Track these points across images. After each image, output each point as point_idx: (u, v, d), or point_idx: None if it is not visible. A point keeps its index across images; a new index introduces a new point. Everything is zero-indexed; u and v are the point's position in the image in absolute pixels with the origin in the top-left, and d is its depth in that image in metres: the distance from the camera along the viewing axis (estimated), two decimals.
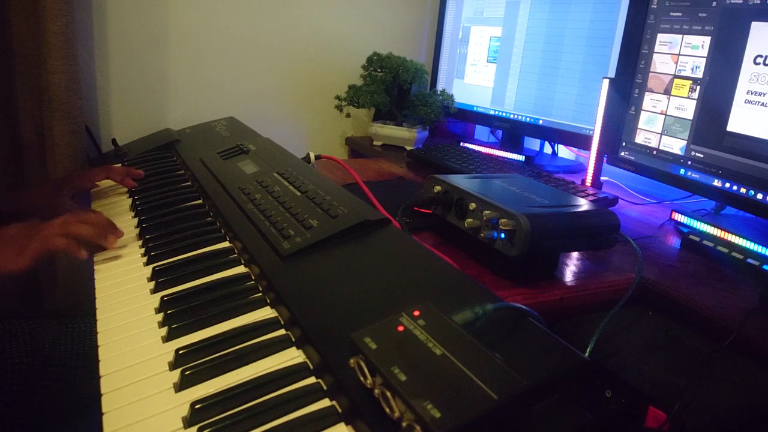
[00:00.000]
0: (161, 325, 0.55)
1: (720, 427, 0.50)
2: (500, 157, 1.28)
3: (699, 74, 0.89)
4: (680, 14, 0.91)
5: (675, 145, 0.93)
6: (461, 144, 1.32)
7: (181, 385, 0.46)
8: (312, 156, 1.03)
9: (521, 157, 1.29)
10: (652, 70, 0.97)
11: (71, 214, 0.71)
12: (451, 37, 1.49)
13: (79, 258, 0.67)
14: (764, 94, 0.79)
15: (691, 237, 0.83)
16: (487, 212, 0.66)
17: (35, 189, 0.95)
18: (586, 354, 0.57)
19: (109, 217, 0.86)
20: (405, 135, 1.41)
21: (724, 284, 0.72)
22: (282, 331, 0.52)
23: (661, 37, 0.95)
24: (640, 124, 0.99)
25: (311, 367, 0.47)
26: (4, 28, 1.10)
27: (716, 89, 0.86)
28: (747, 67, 0.81)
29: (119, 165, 1.01)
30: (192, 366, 0.47)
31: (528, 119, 1.29)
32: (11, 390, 0.72)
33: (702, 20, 0.88)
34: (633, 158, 1.01)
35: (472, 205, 0.69)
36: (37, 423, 0.74)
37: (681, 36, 0.91)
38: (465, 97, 1.45)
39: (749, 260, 0.75)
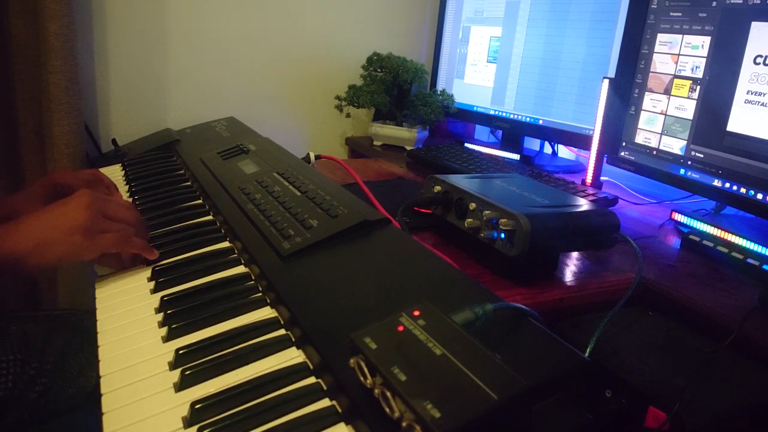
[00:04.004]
0: (161, 325, 0.55)
1: (720, 427, 0.50)
2: (500, 157, 1.28)
3: (699, 74, 0.89)
4: (680, 14, 0.91)
5: (675, 145, 0.93)
6: (461, 144, 1.32)
7: (181, 385, 0.46)
8: (312, 156, 1.03)
9: (521, 157, 1.29)
10: (652, 70, 0.97)
11: (132, 209, 0.68)
12: (451, 37, 1.49)
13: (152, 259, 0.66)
14: (764, 94, 0.79)
15: (691, 237, 0.83)
16: (487, 212, 0.66)
17: (22, 195, 0.89)
18: (586, 354, 0.57)
19: None
20: (405, 135, 1.41)
21: (724, 284, 0.72)
22: (282, 331, 0.52)
23: (661, 37, 0.95)
24: (640, 124, 0.99)
25: (311, 367, 0.47)
26: (3, 28, 1.10)
27: (716, 89, 0.86)
28: (747, 67, 0.81)
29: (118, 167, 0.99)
30: (192, 366, 0.47)
31: (528, 119, 1.29)
32: (6, 388, 0.72)
33: (702, 20, 0.88)
34: (633, 158, 1.01)
35: (472, 205, 0.69)
36: (33, 421, 0.74)
37: (681, 36, 0.91)
38: (465, 97, 1.45)
39: (749, 260, 0.75)
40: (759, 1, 0.80)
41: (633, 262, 0.76)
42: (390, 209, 0.73)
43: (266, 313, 0.56)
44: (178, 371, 0.47)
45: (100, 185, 0.88)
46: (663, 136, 0.95)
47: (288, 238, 0.63)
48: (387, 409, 0.36)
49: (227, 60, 1.40)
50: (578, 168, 1.30)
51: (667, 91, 0.94)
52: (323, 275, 0.57)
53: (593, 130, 1.08)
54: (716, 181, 0.86)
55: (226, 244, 0.71)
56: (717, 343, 0.60)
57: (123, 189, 0.96)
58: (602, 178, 1.13)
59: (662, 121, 0.95)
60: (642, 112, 0.99)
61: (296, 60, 1.49)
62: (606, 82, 1.04)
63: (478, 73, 1.42)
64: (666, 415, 0.50)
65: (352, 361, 0.40)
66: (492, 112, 1.38)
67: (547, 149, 1.44)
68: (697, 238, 0.82)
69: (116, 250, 0.62)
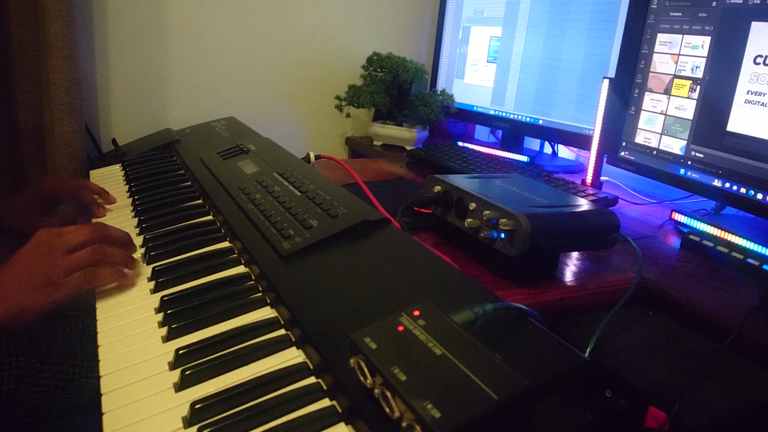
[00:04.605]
0: (161, 325, 0.55)
1: (720, 427, 0.50)
2: (500, 157, 1.28)
3: (699, 74, 0.89)
4: (680, 14, 0.91)
5: (675, 145, 0.93)
6: (461, 144, 1.32)
7: (181, 385, 0.46)
8: (312, 156, 1.03)
9: (521, 157, 1.29)
10: (652, 70, 0.97)
11: (89, 229, 0.63)
12: (451, 37, 1.49)
13: (127, 286, 0.62)
14: (764, 94, 0.79)
15: (691, 237, 0.83)
16: (487, 212, 0.66)
17: (10, 202, 0.88)
18: (586, 354, 0.57)
19: (108, 218, 0.87)
20: (405, 135, 1.41)
21: (724, 284, 0.72)
22: (282, 331, 0.52)
23: (661, 37, 0.95)
24: (640, 124, 0.99)
25: (311, 367, 0.47)
26: (4, 28, 1.10)
27: (716, 89, 0.86)
28: (747, 67, 0.81)
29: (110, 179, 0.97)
30: (192, 366, 0.47)
31: (528, 119, 1.29)
32: (8, 388, 0.72)
33: (702, 20, 0.88)
34: (633, 158, 1.01)
35: (472, 205, 0.69)
36: (34, 422, 0.74)
37: (681, 36, 0.91)
38: (465, 97, 1.45)
39: (749, 260, 0.75)
40: (759, 1, 0.80)
41: (633, 262, 0.76)
42: (390, 209, 0.73)
43: (266, 313, 0.56)
44: (178, 371, 0.47)
45: (87, 192, 0.88)
46: (663, 136, 0.95)
47: (288, 238, 0.63)
48: (387, 409, 0.36)
49: (227, 60, 1.40)
50: (578, 168, 1.30)
51: (667, 91, 0.94)
52: (323, 275, 0.57)
53: (593, 130, 1.08)
54: (716, 181, 0.86)
55: (226, 244, 0.71)
56: (717, 343, 0.60)
57: (123, 189, 0.96)
58: (602, 178, 1.13)
59: (662, 121, 0.95)
60: (642, 112, 0.99)
61: (296, 60, 1.49)
62: (606, 82, 1.04)
63: (478, 73, 1.42)
64: (666, 415, 0.50)
65: (352, 361, 0.40)
66: (492, 112, 1.38)
67: (547, 149, 1.44)
68: (697, 238, 0.82)
69: (86, 288, 0.60)
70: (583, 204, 0.72)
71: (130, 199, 0.91)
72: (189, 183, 0.94)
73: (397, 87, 1.41)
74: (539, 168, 1.21)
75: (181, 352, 0.50)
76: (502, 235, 0.64)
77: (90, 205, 0.87)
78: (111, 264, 0.62)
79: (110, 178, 1.04)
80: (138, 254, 0.71)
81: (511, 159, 1.29)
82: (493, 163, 1.14)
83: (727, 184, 0.84)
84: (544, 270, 0.71)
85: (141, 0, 1.26)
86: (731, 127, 0.83)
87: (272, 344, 0.50)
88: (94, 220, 0.85)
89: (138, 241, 0.75)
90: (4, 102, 1.13)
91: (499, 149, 1.36)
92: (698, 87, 0.89)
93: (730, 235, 0.81)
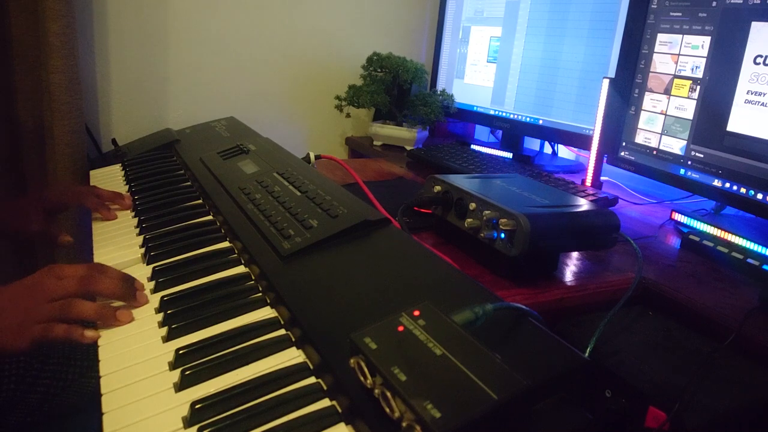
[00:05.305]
0: (161, 325, 0.55)
1: (720, 427, 0.50)
2: (500, 157, 1.28)
3: (699, 74, 0.89)
4: (680, 14, 0.91)
5: (675, 145, 0.93)
6: (461, 144, 1.32)
7: (181, 385, 0.46)
8: (312, 156, 1.03)
9: (521, 157, 1.29)
10: (652, 70, 0.97)
11: (79, 277, 0.58)
12: (451, 37, 1.49)
13: (83, 342, 0.56)
14: (764, 94, 0.79)
15: (691, 237, 0.83)
16: (487, 212, 0.66)
17: (12, 208, 0.86)
18: (586, 354, 0.57)
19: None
20: (405, 135, 1.41)
21: (724, 284, 0.72)
22: (282, 331, 0.52)
23: (661, 37, 0.95)
24: (640, 124, 0.99)
25: (311, 367, 0.47)
26: (4, 28, 1.10)
27: (716, 89, 0.86)
28: (747, 67, 0.81)
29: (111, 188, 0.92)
30: (192, 366, 0.47)
31: (528, 119, 1.29)
32: (8, 388, 0.72)
33: (702, 20, 0.88)
34: (633, 158, 1.01)
35: (472, 205, 0.69)
36: (34, 422, 0.74)
37: (681, 36, 0.91)
38: (465, 97, 1.45)
39: (749, 260, 0.75)
40: (759, 1, 0.80)
41: (633, 262, 0.76)
42: (390, 209, 0.73)
43: (266, 313, 0.56)
44: (178, 371, 0.47)
45: (92, 198, 0.85)
46: (663, 136, 0.95)
47: (288, 238, 0.63)
48: (387, 409, 0.36)
49: (227, 60, 1.40)
50: (578, 168, 1.30)
51: (667, 91, 0.94)
52: (323, 275, 0.57)
53: (593, 130, 1.08)
54: (716, 181, 0.86)
55: (226, 244, 0.71)
56: (717, 343, 0.60)
57: (123, 189, 0.96)
58: (602, 178, 1.13)
59: (662, 121, 0.95)
60: (642, 112, 0.99)
61: (296, 60, 1.49)
62: (606, 81, 1.04)
63: (478, 73, 1.42)
64: (666, 415, 0.50)
65: (352, 361, 0.40)
66: (492, 112, 1.38)
67: (547, 149, 1.44)
68: (697, 238, 0.82)
69: (42, 342, 0.57)
70: (583, 204, 0.72)
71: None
72: (189, 183, 0.94)
73: (397, 87, 1.41)
74: (539, 168, 1.21)
75: (181, 352, 0.50)
76: (502, 235, 0.64)
77: (99, 209, 0.86)
78: (74, 321, 0.57)
79: (110, 178, 1.04)
80: (138, 254, 0.71)
81: (511, 159, 1.28)
82: (493, 163, 1.14)
83: (727, 184, 0.84)
84: (544, 270, 0.71)
85: (141, 0, 1.26)
86: (731, 127, 0.83)
87: (272, 344, 0.50)
88: (95, 223, 0.85)
89: (138, 240, 0.75)
90: (4, 102, 1.13)
91: (499, 149, 1.35)
92: (698, 87, 0.89)
93: (730, 235, 0.81)
